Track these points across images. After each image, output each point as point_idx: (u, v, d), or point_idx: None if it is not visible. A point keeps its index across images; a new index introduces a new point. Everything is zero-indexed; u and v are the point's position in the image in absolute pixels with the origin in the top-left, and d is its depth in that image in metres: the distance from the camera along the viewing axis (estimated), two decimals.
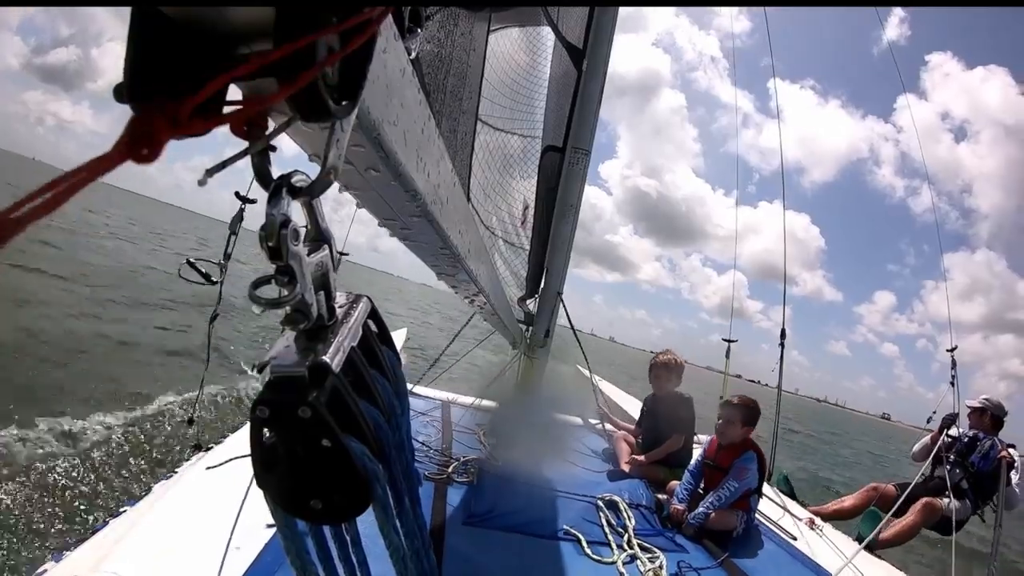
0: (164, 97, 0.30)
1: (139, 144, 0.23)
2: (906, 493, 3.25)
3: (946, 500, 3.41)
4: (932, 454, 3.56)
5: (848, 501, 3.93)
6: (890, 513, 2.96)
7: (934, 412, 3.89)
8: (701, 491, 2.43)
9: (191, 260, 2.15)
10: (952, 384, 3.58)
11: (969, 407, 3.84)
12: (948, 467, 3.57)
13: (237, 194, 1.88)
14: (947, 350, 3.67)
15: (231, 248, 2.06)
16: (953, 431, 3.72)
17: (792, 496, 3.30)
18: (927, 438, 3.94)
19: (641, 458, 2.86)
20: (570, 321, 3.35)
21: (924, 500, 3.46)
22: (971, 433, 3.74)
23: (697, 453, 2.65)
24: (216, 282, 2.13)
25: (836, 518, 3.68)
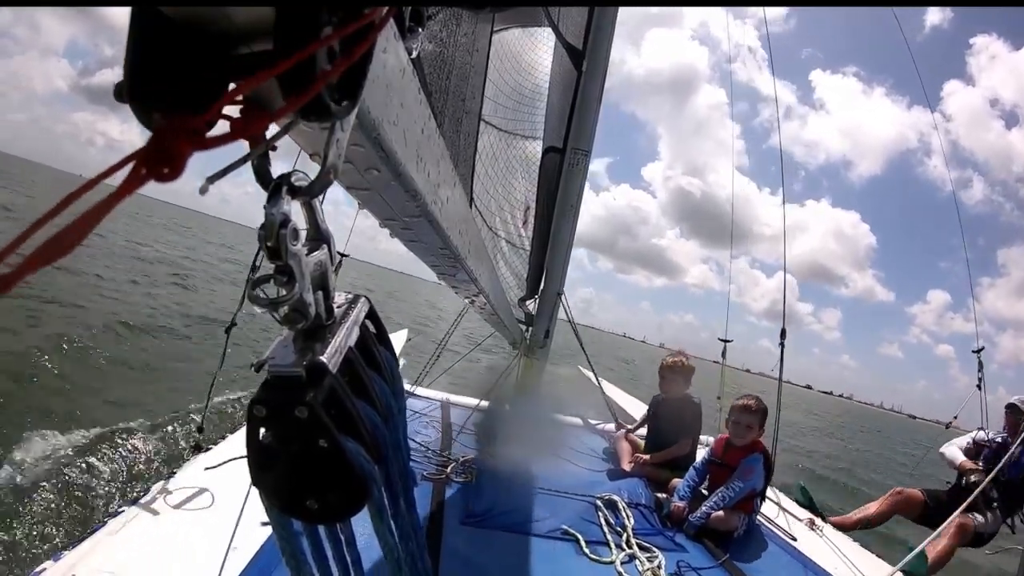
0: (177, 113, 0.30)
1: (161, 162, 0.23)
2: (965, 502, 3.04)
3: (978, 516, 3.25)
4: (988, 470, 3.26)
5: (872, 508, 3.68)
6: (927, 540, 2.85)
7: (955, 416, 3.76)
8: (704, 490, 2.43)
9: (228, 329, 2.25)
10: (979, 387, 3.47)
11: (1020, 408, 3.58)
12: (978, 476, 3.36)
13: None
14: (973, 351, 3.54)
15: (260, 261, 2.10)
16: (981, 434, 3.57)
17: (812, 508, 3.14)
18: (960, 456, 3.66)
19: (645, 457, 2.85)
20: (571, 319, 3.35)
21: (957, 522, 3.18)
22: (999, 439, 3.53)
23: (703, 453, 2.64)
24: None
25: (862, 527, 3.50)
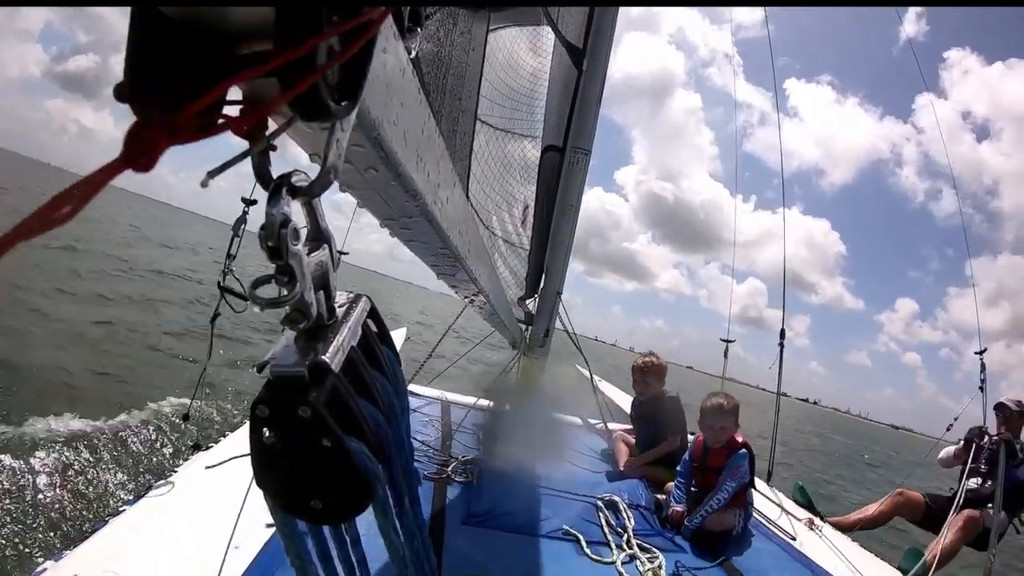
0: (162, 104, 0.30)
1: (137, 153, 0.24)
2: (957, 504, 2.94)
3: (989, 510, 3.16)
4: (964, 473, 3.33)
5: (872, 509, 3.63)
6: (932, 549, 2.80)
7: (956, 419, 3.70)
8: (694, 488, 2.42)
9: (222, 285, 2.17)
10: (981, 389, 3.40)
11: (1009, 407, 3.55)
12: (980, 479, 3.38)
13: (243, 199, 1.92)
14: (975, 352, 3.48)
15: (234, 249, 2.09)
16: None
17: (810, 508, 3.13)
18: (952, 449, 3.72)
19: (636, 459, 2.87)
20: (567, 322, 3.35)
21: (966, 514, 3.15)
22: (996, 438, 3.47)
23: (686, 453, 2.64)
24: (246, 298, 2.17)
25: (861, 528, 3.47)
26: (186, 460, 2.08)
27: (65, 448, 3.40)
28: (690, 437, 2.80)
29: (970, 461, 3.44)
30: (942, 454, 3.83)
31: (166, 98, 0.32)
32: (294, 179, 0.38)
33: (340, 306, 0.47)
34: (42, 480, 3.01)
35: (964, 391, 3.62)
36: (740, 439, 2.38)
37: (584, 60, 2.95)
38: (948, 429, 3.79)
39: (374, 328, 0.52)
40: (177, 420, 4.17)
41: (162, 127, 0.25)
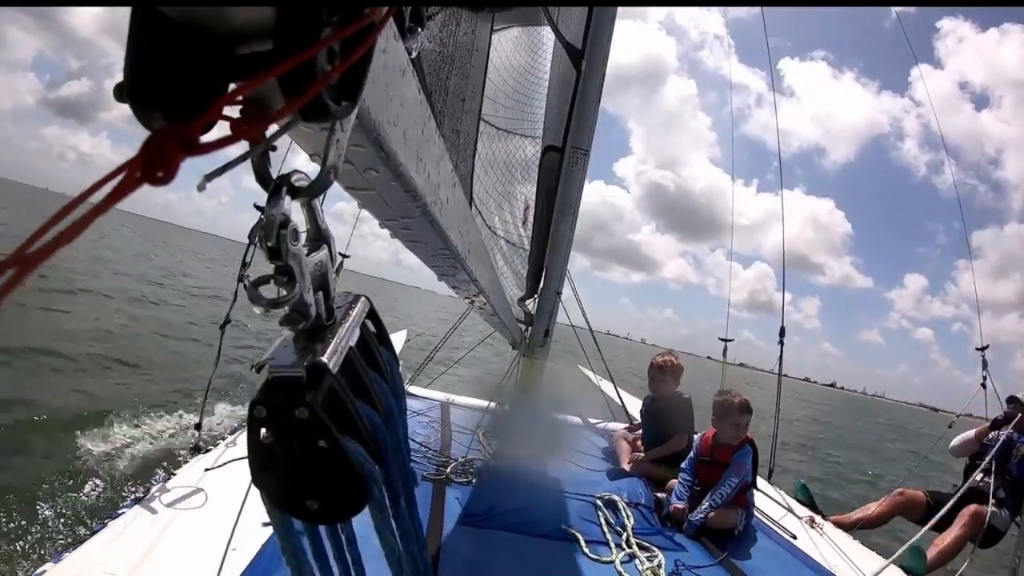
0: (172, 117, 0.30)
1: (154, 167, 0.24)
2: (951, 502, 2.88)
3: (991, 508, 3.10)
4: (984, 463, 3.26)
5: (873, 508, 3.60)
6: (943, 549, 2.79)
7: (957, 416, 3.72)
8: (697, 487, 2.43)
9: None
10: (983, 386, 3.36)
11: (1018, 398, 3.48)
12: (982, 474, 3.33)
13: (256, 205, 1.92)
14: (977, 349, 3.45)
15: (249, 257, 2.09)
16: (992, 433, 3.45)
17: (812, 505, 3.12)
18: (971, 433, 3.62)
19: (642, 455, 2.87)
20: (584, 316, 3.36)
21: (972, 509, 3.10)
22: (1004, 436, 3.41)
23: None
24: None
25: (862, 527, 3.43)
26: (185, 462, 2.09)
27: (64, 450, 3.40)
28: (695, 437, 2.81)
29: (987, 459, 3.38)
30: (957, 441, 3.71)
31: (168, 103, 0.32)
32: (294, 179, 0.38)
33: (339, 307, 0.47)
34: (41, 482, 3.01)
35: (978, 363, 3.48)
36: (747, 435, 2.44)
37: (583, 61, 2.96)
38: (950, 427, 3.79)
39: (372, 329, 0.52)
40: (178, 423, 4.17)
41: (178, 139, 0.25)
